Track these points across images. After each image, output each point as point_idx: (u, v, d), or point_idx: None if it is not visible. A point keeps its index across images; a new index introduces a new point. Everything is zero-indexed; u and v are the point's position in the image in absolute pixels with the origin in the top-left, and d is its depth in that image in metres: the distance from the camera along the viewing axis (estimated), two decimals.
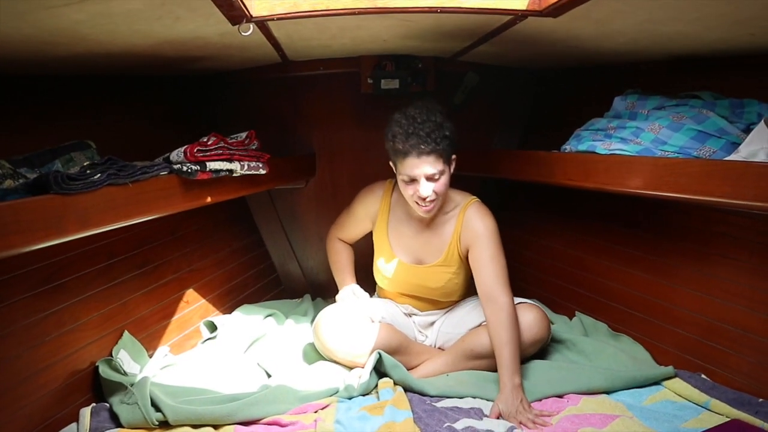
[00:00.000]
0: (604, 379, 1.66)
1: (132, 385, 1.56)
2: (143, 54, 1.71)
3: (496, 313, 1.72)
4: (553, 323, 2.01)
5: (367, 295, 2.05)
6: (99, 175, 1.24)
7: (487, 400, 1.65)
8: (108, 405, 1.55)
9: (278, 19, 1.50)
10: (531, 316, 1.81)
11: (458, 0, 1.48)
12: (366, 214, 2.04)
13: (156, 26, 1.39)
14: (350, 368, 1.82)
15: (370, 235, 2.08)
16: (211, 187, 1.66)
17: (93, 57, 1.63)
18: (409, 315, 2.07)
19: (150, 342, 1.88)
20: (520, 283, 2.40)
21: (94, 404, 1.55)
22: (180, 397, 1.57)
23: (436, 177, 1.72)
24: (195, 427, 1.48)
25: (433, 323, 2.05)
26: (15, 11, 1.09)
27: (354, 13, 1.52)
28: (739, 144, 1.44)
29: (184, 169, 1.52)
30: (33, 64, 1.61)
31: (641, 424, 1.44)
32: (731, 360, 1.63)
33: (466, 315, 1.96)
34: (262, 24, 1.57)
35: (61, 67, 1.72)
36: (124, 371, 1.67)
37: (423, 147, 1.67)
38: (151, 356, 1.85)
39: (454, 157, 1.80)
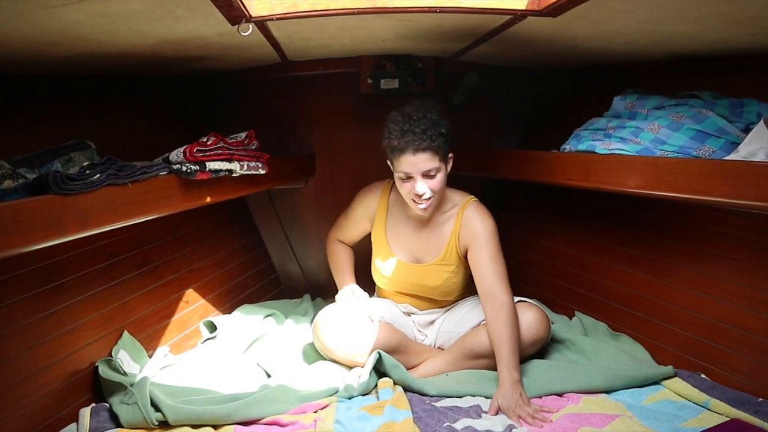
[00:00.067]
0: (603, 379, 1.66)
1: (132, 385, 1.56)
2: (143, 54, 1.71)
3: (496, 310, 1.72)
4: (552, 323, 2.01)
5: (366, 294, 2.05)
6: (98, 175, 1.24)
7: (487, 397, 1.66)
8: (108, 405, 1.55)
9: (277, 19, 1.51)
10: (531, 315, 1.81)
11: (457, 0, 1.48)
12: (364, 214, 2.05)
13: (156, 26, 1.39)
14: (350, 368, 1.82)
15: (369, 235, 2.08)
16: (210, 187, 1.66)
17: (93, 57, 1.63)
18: (408, 314, 2.07)
19: (150, 342, 1.88)
20: (519, 283, 2.40)
21: (93, 404, 1.55)
22: (180, 397, 1.57)
23: (432, 174, 1.74)
24: (195, 427, 1.48)
25: (432, 322, 2.05)
26: (14, 11, 1.09)
27: (353, 13, 1.52)
28: (739, 144, 1.44)
29: (184, 169, 1.52)
30: (32, 64, 1.61)
31: (641, 423, 1.44)
32: (731, 359, 1.63)
33: (466, 314, 1.96)
34: (261, 24, 1.57)
35: (61, 67, 1.72)
36: (123, 371, 1.66)
37: (418, 144, 1.69)
38: (150, 356, 1.84)
39: (450, 155, 1.81)
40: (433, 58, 2.40)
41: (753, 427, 1.36)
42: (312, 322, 1.99)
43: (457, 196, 1.94)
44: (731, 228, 1.69)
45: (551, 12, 1.44)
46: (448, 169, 1.82)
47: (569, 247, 2.36)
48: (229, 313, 2.24)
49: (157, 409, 1.49)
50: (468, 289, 2.01)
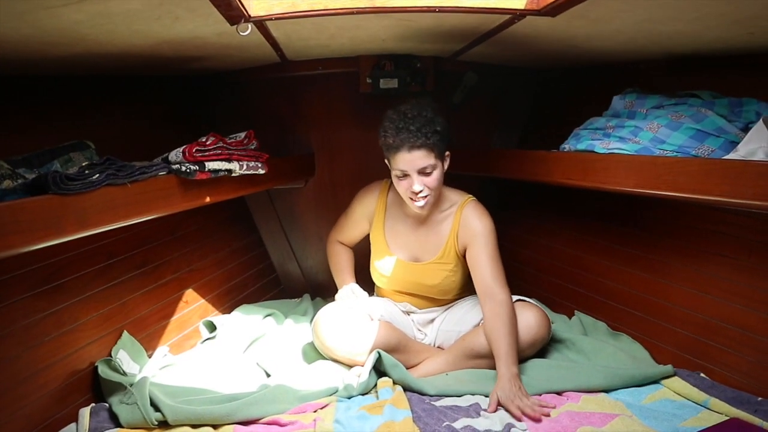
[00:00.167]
0: (603, 378, 1.67)
1: (131, 385, 1.56)
2: (142, 54, 1.71)
3: (495, 308, 1.73)
4: (552, 322, 2.01)
5: (365, 293, 2.05)
6: (98, 175, 1.24)
7: (486, 396, 1.65)
8: (107, 405, 1.55)
9: (276, 18, 1.51)
10: (531, 315, 1.81)
11: None
12: (363, 213, 2.06)
13: (155, 26, 1.39)
14: (349, 367, 1.82)
15: (368, 236, 2.08)
16: (210, 187, 1.66)
17: (92, 57, 1.63)
18: (408, 313, 2.07)
19: (149, 342, 1.88)
20: (519, 282, 2.41)
21: (93, 404, 1.55)
22: (179, 397, 1.58)
23: (428, 171, 1.75)
24: (194, 426, 1.48)
25: (432, 321, 2.05)
26: (14, 11, 1.09)
27: (352, 13, 1.52)
28: (738, 143, 1.44)
29: (183, 169, 1.52)
30: (32, 64, 1.61)
31: (640, 423, 1.44)
32: (730, 359, 1.63)
33: (466, 313, 1.96)
34: (260, 24, 1.57)
35: (60, 67, 1.72)
36: (123, 371, 1.66)
37: (413, 141, 1.70)
38: (150, 356, 1.85)
39: (447, 153, 1.83)
40: (432, 58, 2.40)
41: (752, 426, 1.37)
42: (311, 321, 2.00)
43: (455, 195, 1.95)
44: (730, 227, 1.69)
45: (550, 11, 1.44)
46: (445, 166, 1.83)
47: (569, 247, 2.36)
48: (229, 313, 2.24)
49: (156, 409, 1.49)
50: (467, 287, 2.01)
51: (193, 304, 2.16)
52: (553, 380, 1.69)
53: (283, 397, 1.61)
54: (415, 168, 1.74)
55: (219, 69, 2.39)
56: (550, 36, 1.78)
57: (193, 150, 1.54)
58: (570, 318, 2.20)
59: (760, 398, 1.48)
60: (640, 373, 1.68)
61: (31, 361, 1.44)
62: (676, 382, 1.63)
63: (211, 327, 2.13)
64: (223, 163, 1.63)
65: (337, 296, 2.06)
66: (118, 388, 1.57)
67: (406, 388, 1.71)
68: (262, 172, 1.78)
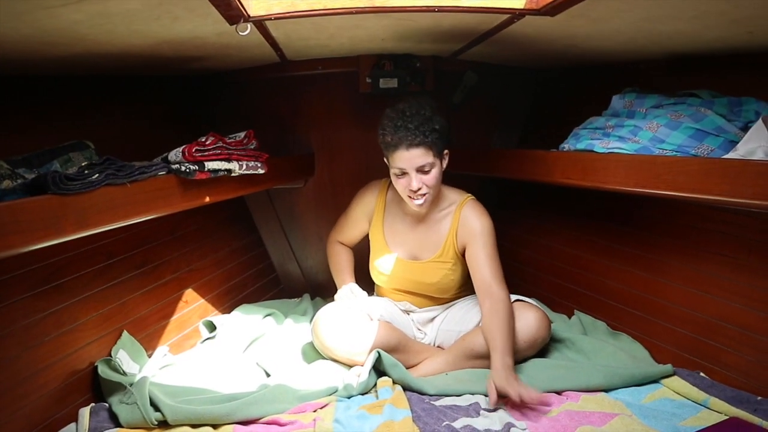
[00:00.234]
0: (602, 377, 1.67)
1: (131, 385, 1.56)
2: (142, 54, 1.71)
3: (492, 305, 1.74)
4: (552, 322, 2.01)
5: (365, 293, 2.05)
6: (97, 175, 1.24)
7: (485, 395, 1.66)
8: (107, 405, 1.55)
9: (276, 18, 1.51)
10: (531, 315, 1.81)
11: None
12: (363, 213, 2.06)
13: (154, 26, 1.39)
14: (349, 367, 1.82)
15: (368, 236, 2.08)
16: (209, 187, 1.66)
17: (91, 57, 1.63)
18: (407, 312, 2.07)
19: (149, 342, 1.88)
20: (518, 282, 2.41)
21: (93, 404, 1.55)
22: (179, 396, 1.58)
23: (426, 169, 1.76)
24: (194, 426, 1.48)
25: (432, 320, 2.06)
26: (13, 11, 1.09)
27: (351, 13, 1.52)
28: (737, 142, 1.44)
29: (183, 168, 1.52)
30: (31, 64, 1.61)
31: (640, 422, 1.44)
32: (730, 358, 1.63)
33: (467, 313, 1.96)
34: (259, 24, 1.57)
35: (60, 67, 1.72)
36: (123, 371, 1.66)
37: (411, 139, 1.71)
38: (150, 356, 1.84)
39: (446, 152, 1.83)
40: (432, 58, 2.40)
41: (752, 425, 1.37)
42: (311, 321, 2.00)
43: (454, 195, 1.95)
44: (730, 226, 1.69)
45: (549, 11, 1.44)
46: (444, 165, 1.84)
47: (568, 246, 2.36)
48: (229, 312, 2.24)
49: (156, 408, 1.49)
50: (466, 286, 2.01)
51: (192, 304, 2.16)
52: (552, 380, 1.69)
53: (283, 396, 1.61)
54: (413, 166, 1.75)
55: (219, 69, 2.39)
56: (550, 35, 1.78)
57: (193, 150, 1.54)
58: (570, 317, 2.20)
59: (759, 397, 1.48)
60: (640, 372, 1.68)
61: (31, 361, 1.44)
62: (676, 382, 1.63)
63: (211, 327, 2.13)
64: (223, 162, 1.63)
65: (336, 296, 2.06)
66: (118, 387, 1.57)
67: (406, 388, 1.71)
68: (261, 171, 1.78)
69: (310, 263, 2.80)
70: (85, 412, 1.50)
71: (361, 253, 2.15)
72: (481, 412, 1.56)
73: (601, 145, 1.70)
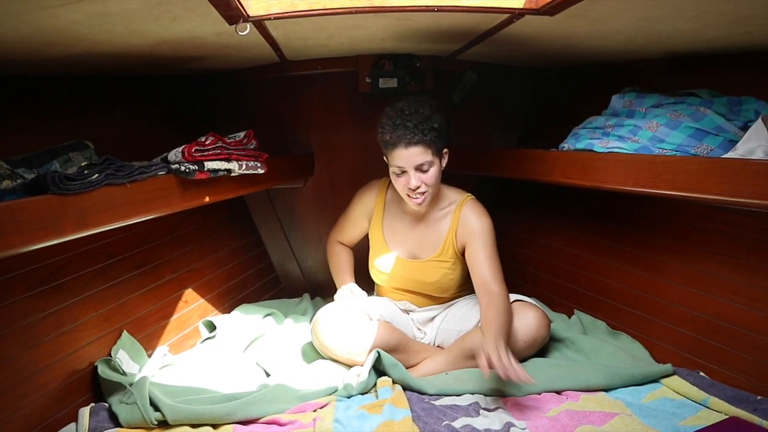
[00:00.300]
0: (602, 377, 1.67)
1: (131, 384, 1.56)
2: (141, 54, 1.71)
3: (491, 300, 1.74)
4: (551, 322, 2.01)
5: (365, 293, 2.05)
6: (97, 175, 1.24)
7: (485, 395, 1.66)
8: (107, 405, 1.55)
9: (275, 18, 1.51)
10: (531, 315, 1.81)
11: None
12: (363, 212, 2.06)
13: (153, 26, 1.39)
14: (349, 367, 1.82)
15: (368, 235, 2.08)
16: (209, 187, 1.66)
17: (91, 57, 1.63)
18: (407, 312, 2.07)
19: (149, 342, 1.88)
20: (518, 282, 2.41)
21: (93, 404, 1.55)
22: (179, 396, 1.58)
23: (425, 168, 1.76)
24: (194, 426, 1.48)
25: (431, 319, 2.06)
26: (12, 11, 1.09)
27: (350, 12, 1.52)
28: (737, 141, 1.44)
29: (182, 168, 1.52)
30: (31, 64, 1.60)
31: (640, 421, 1.44)
32: (730, 358, 1.63)
33: (467, 313, 1.96)
34: (259, 23, 1.57)
35: (59, 67, 1.72)
36: (123, 371, 1.66)
37: (410, 138, 1.72)
38: (150, 356, 1.84)
39: (445, 151, 1.84)
40: (431, 57, 2.40)
41: (751, 425, 1.37)
42: (311, 321, 2.00)
43: (454, 194, 1.96)
44: (730, 226, 1.69)
45: (548, 11, 1.44)
46: (443, 164, 1.84)
47: (568, 246, 2.36)
48: (228, 312, 2.24)
49: (156, 408, 1.49)
50: (466, 286, 2.02)
51: (192, 304, 2.16)
52: (552, 379, 1.69)
53: (283, 396, 1.61)
54: (411, 164, 1.75)
55: (218, 69, 2.39)
56: (549, 35, 1.78)
57: (192, 150, 1.54)
58: (569, 317, 2.20)
59: (759, 397, 1.48)
60: (640, 372, 1.68)
61: (31, 361, 1.44)
62: (676, 381, 1.63)
63: (211, 327, 2.13)
64: (223, 162, 1.63)
65: (336, 296, 2.06)
66: (118, 387, 1.57)
67: (406, 388, 1.71)
68: (261, 171, 1.78)
69: (310, 263, 2.80)
70: (85, 412, 1.50)
71: (361, 253, 2.15)
72: (481, 411, 1.56)
73: (600, 145, 1.70)
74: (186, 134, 1.83)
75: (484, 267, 1.82)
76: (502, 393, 1.67)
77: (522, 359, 1.79)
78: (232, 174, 1.68)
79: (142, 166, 1.41)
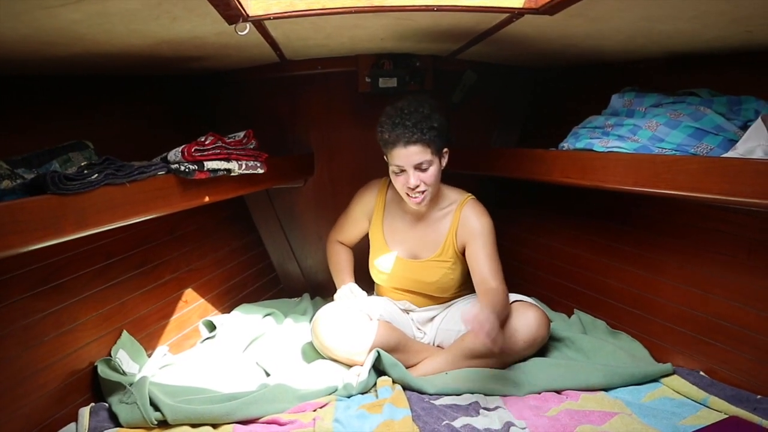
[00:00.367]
0: (602, 376, 1.67)
1: (131, 384, 1.56)
2: (141, 54, 1.71)
3: (489, 297, 1.73)
4: (551, 321, 2.01)
5: (365, 293, 2.06)
6: (96, 175, 1.24)
7: (485, 394, 1.66)
8: (107, 405, 1.55)
9: (274, 18, 1.51)
10: (531, 315, 1.81)
11: None
12: (363, 212, 2.06)
13: (153, 26, 1.39)
14: (349, 366, 1.82)
15: (368, 235, 2.08)
16: (209, 187, 1.66)
17: (90, 57, 1.63)
18: (407, 311, 2.07)
19: (149, 342, 1.88)
20: (518, 281, 2.41)
21: (92, 404, 1.55)
22: (179, 396, 1.58)
23: (425, 167, 1.76)
24: (194, 426, 1.48)
25: (431, 319, 2.06)
26: (12, 11, 1.09)
27: (350, 12, 1.52)
28: (737, 141, 1.44)
29: (182, 168, 1.52)
30: (30, 64, 1.60)
31: (640, 421, 1.44)
32: (729, 357, 1.63)
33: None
34: (258, 23, 1.57)
35: (59, 67, 1.72)
36: (122, 371, 1.67)
37: (409, 137, 1.72)
38: (149, 356, 1.84)
39: (445, 150, 1.83)
40: (431, 57, 2.40)
41: (751, 424, 1.37)
42: (311, 321, 2.00)
43: (454, 194, 1.96)
44: (729, 225, 1.69)
45: (548, 10, 1.44)
46: (443, 163, 1.84)
47: (568, 245, 2.36)
48: (228, 312, 2.24)
49: (156, 408, 1.49)
50: (466, 285, 2.02)
51: (192, 304, 2.16)
52: (552, 379, 1.69)
53: (283, 396, 1.61)
54: (411, 163, 1.75)
55: (218, 69, 2.39)
56: (549, 35, 1.78)
57: (192, 149, 1.54)
58: (569, 316, 2.20)
59: (759, 396, 1.48)
60: (640, 371, 1.69)
61: (31, 361, 1.44)
62: (676, 381, 1.63)
63: (211, 326, 2.13)
64: (222, 162, 1.63)
65: (335, 296, 2.06)
66: (118, 387, 1.57)
67: (406, 387, 1.71)
68: (261, 171, 1.78)
69: (310, 263, 2.80)
70: (84, 412, 1.50)
71: (361, 253, 2.15)
72: (481, 411, 1.56)
73: (600, 144, 1.70)
74: (186, 134, 1.83)
75: (485, 266, 1.82)
76: (502, 393, 1.67)
77: (522, 359, 1.79)
78: (232, 174, 1.68)
79: (141, 166, 1.41)
